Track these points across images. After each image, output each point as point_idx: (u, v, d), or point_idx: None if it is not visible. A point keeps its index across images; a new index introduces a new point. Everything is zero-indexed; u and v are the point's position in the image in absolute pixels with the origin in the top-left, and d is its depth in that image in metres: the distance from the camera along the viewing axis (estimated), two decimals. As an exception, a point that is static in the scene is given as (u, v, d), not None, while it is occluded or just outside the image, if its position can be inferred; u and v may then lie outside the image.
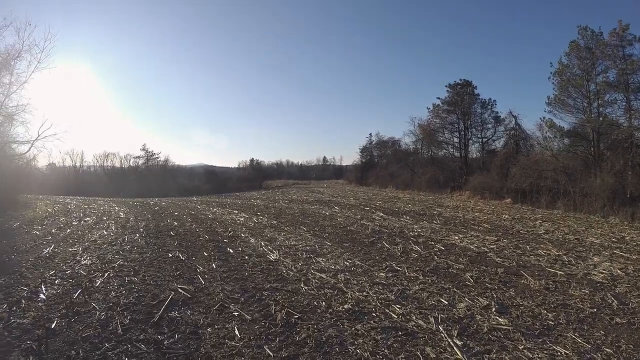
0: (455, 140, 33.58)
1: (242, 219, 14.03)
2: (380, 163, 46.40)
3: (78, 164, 56.41)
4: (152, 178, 51.08)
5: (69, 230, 11.15)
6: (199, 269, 7.09)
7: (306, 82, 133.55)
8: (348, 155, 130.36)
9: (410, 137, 39.83)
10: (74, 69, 67.98)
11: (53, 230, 11.01)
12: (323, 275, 6.68)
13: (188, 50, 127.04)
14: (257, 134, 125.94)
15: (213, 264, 7.43)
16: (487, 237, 10.04)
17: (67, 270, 6.95)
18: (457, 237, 9.93)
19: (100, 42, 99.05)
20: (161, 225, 12.24)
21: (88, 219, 13.77)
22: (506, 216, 14.46)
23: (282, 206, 19.29)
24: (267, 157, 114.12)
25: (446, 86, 33.91)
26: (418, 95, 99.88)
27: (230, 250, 8.68)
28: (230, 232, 11.09)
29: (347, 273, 6.82)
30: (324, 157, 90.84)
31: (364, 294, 5.70)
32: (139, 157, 57.99)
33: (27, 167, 22.87)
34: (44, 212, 15.60)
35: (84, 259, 7.71)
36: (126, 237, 10.08)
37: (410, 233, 10.64)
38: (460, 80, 33.48)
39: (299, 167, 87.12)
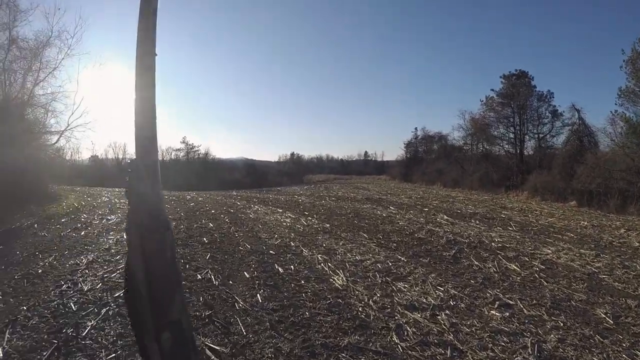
0: (511, 135, 30.64)
1: (288, 221, 11.83)
2: (426, 159, 43.64)
3: (120, 156, 56.47)
4: (192, 171, 50.03)
5: (83, 232, 9.23)
6: (239, 303, 4.89)
7: (347, 75, 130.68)
8: (390, 151, 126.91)
9: (459, 131, 37.30)
10: (110, 58, 67.87)
11: (65, 233, 9.12)
12: (417, 317, 4.58)
13: (228, 43, 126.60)
14: (297, 127, 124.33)
15: (258, 294, 5.21)
16: (581, 250, 8.16)
17: (54, 301, 4.90)
18: (549, 251, 8.05)
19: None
20: (193, 228, 10.18)
21: (113, 216, 11.91)
22: (585, 223, 12.05)
23: (330, 205, 17.01)
24: (307, 152, 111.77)
25: (500, 77, 31.12)
26: (466, 88, 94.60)
27: (280, 268, 6.44)
28: (276, 239, 8.87)
29: (447, 311, 4.75)
30: (365, 151, 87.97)
31: (490, 353, 3.67)
32: (179, 149, 57.37)
33: (56, 158, 21.58)
34: (69, 208, 13.92)
35: (84, 281, 5.64)
36: (148, 244, 8.03)
37: (493, 244, 8.62)
38: (516, 70, 30.60)
39: (340, 162, 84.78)
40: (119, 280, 5.58)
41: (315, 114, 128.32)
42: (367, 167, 79.65)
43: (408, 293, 5.42)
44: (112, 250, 7.36)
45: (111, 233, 9.13)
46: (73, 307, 4.73)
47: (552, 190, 19.91)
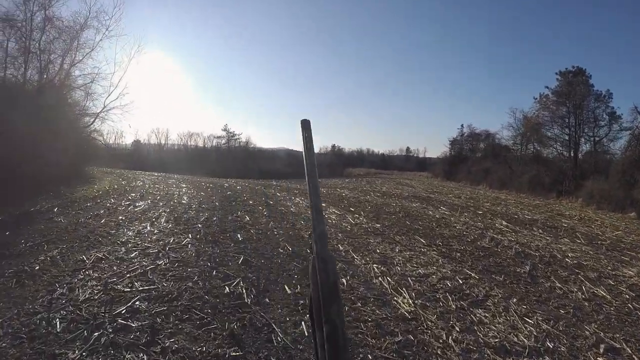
0: (565, 137, 27.94)
1: (333, 217, 10.43)
2: (472, 157, 41.01)
3: (162, 142, 57.13)
4: (233, 159, 49.70)
5: (104, 220, 8.16)
6: (277, 336, 3.54)
7: (391, 69, 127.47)
8: (432, 147, 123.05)
9: (509, 130, 34.63)
10: (150, 40, 68.35)
11: (83, 219, 8.07)
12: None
13: (273, 33, 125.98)
14: (338, 120, 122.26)
15: (303, 323, 3.84)
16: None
17: (38, 314, 3.75)
18: (631, 272, 6.63)
19: (178, 19, 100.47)
20: (227, 221, 8.95)
21: (141, 203, 10.88)
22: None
23: (376, 201, 15.49)
24: (348, 144, 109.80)
25: (556, 73, 28.47)
26: (517, 85, 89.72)
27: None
28: (323, 241, 7.48)
29: (547, 358, 3.61)
30: (407, 147, 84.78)
31: None
32: (220, 137, 57.21)
33: (92, 140, 21.07)
34: (99, 191, 13.09)
35: (83, 286, 4.43)
36: (173, 238, 6.80)
37: (567, 260, 7.17)
38: (573, 67, 27.83)
39: (381, 157, 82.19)
40: (125, 290, 4.33)
41: (357, 107, 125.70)
42: (408, 163, 77.00)
43: (493, 327, 4.15)
44: (129, 245, 6.17)
45: (134, 223, 8.00)
46: (58, 326, 3.52)
47: (609, 199, 18.06)
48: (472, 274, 5.90)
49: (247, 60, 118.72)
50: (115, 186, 15.31)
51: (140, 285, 4.47)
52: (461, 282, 5.53)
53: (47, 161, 12.83)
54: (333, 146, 75.08)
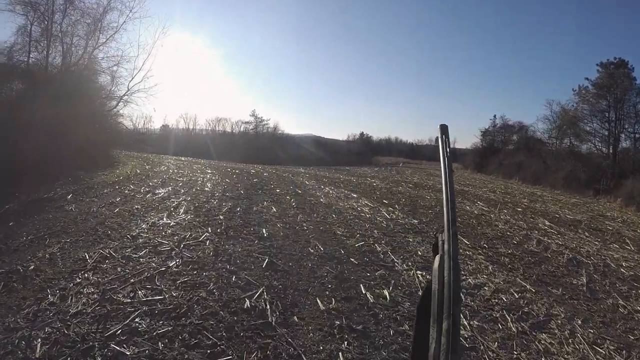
0: (605, 132, 26.37)
1: (367, 210, 9.58)
2: (504, 150, 39.36)
3: (191, 127, 56.96)
4: (260, 144, 49.17)
5: (118, 209, 7.50)
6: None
7: (421, 57, 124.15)
8: (463, 138, 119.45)
9: (544, 123, 33.09)
10: (176, 21, 68.03)
11: (96, 208, 7.43)
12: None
13: (300, 20, 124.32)
14: (366, 108, 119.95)
15: (340, 354, 3.04)
16: None
17: (18, 330, 3.10)
18: None
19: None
20: (252, 212, 8.22)
21: (162, 190, 10.26)
22: None
23: (409, 193, 14.53)
24: (376, 133, 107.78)
25: (597, 65, 26.76)
26: (554, 77, 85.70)
27: (369, 294, 4.24)
28: (357, 238, 6.64)
29: None
30: (437, 137, 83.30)
31: None
32: (248, 122, 56.44)
33: (116, 124, 20.73)
34: (119, 176, 12.57)
35: (77, 293, 3.73)
36: (190, 233, 6.08)
37: (622, 270, 6.31)
38: (615, 59, 26.17)
39: (409, 146, 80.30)
40: (125, 301, 3.60)
41: (386, 95, 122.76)
42: (437, 153, 75.34)
43: (562, 358, 3.45)
44: (140, 240, 5.47)
45: (150, 213, 7.33)
46: (38, 350, 2.82)
47: None
48: (527, 286, 5.07)
49: (276, 45, 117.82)
50: (138, 171, 14.82)
51: (144, 295, 3.74)
52: (517, 296, 4.72)
53: (68, 146, 12.40)
54: (361, 134, 73.75)
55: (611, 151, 26.08)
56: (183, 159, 28.84)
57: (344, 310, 3.77)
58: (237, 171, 18.25)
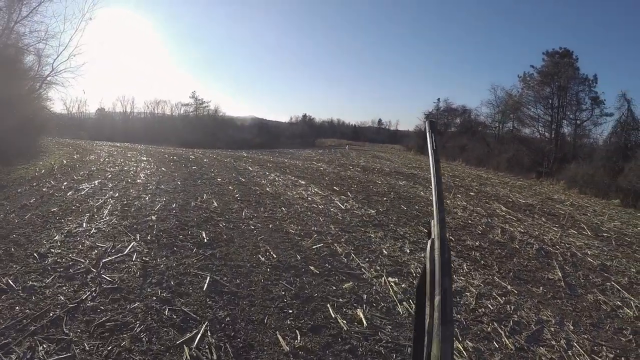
0: (547, 117, 28.39)
1: (318, 200, 8.90)
2: (447, 133, 40.43)
3: (128, 110, 54.52)
4: (201, 127, 47.28)
5: (29, 214, 6.17)
6: None
7: (364, 39, 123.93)
8: (405, 120, 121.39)
9: (488, 107, 35.11)
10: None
11: (2, 215, 6.10)
12: None
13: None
14: (309, 89, 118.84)
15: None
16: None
17: None
18: None
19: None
20: (190, 208, 7.28)
21: (86, 185, 8.98)
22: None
23: (359, 177, 14.05)
24: (319, 114, 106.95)
25: (543, 53, 29.00)
26: (498, 63, 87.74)
27: (340, 317, 3.57)
28: (315, 240, 5.88)
29: None
30: (380, 119, 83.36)
31: None
32: (188, 104, 54.71)
33: (41, 109, 18.66)
34: (42, 169, 11.05)
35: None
36: (113, 243, 5.04)
37: (590, 260, 6.29)
38: (560, 48, 28.39)
39: (352, 128, 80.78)
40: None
41: (329, 77, 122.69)
42: (379, 135, 76.18)
43: None
44: (48, 260, 4.37)
45: (69, 217, 6.18)
46: None
47: (593, 185, 17.96)
48: (508, 287, 4.71)
49: (219, 24, 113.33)
50: (65, 162, 13.24)
51: (46, 354, 2.73)
52: (501, 300, 4.31)
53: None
54: (304, 116, 73.47)
55: (553, 136, 27.73)
56: (118, 144, 26.90)
57: (314, 349, 3.02)
58: (175, 158, 16.98)
